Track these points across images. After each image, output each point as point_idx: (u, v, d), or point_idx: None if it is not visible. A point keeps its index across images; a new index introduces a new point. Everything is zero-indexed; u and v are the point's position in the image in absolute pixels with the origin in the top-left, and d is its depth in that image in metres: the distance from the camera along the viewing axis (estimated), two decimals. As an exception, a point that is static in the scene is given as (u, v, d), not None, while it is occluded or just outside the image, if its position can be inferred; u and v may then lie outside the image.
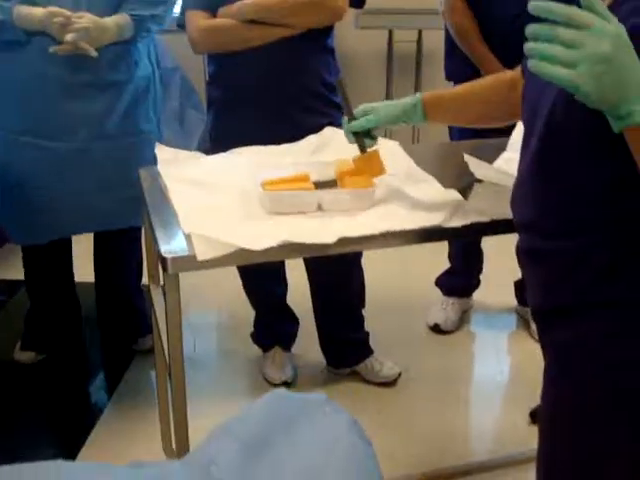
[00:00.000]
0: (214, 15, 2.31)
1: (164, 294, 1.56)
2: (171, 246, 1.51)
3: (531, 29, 0.97)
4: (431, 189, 1.74)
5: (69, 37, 2.27)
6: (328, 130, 2.08)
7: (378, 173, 1.72)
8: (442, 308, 3.09)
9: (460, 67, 2.71)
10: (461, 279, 3.10)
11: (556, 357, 1.30)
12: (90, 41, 2.31)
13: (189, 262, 1.48)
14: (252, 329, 2.83)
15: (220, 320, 3.33)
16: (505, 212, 1.45)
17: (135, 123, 2.53)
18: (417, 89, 3.96)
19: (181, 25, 2.41)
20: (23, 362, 2.84)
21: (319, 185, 1.69)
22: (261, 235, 1.49)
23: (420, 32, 4.06)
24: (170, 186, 1.77)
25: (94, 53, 2.32)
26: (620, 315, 1.18)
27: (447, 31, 2.76)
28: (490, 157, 2.00)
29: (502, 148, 2.05)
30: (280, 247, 1.47)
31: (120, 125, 2.48)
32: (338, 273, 2.54)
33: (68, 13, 2.29)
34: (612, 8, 1.07)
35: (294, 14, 2.26)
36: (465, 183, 1.84)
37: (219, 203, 1.66)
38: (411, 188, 1.72)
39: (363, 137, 1.68)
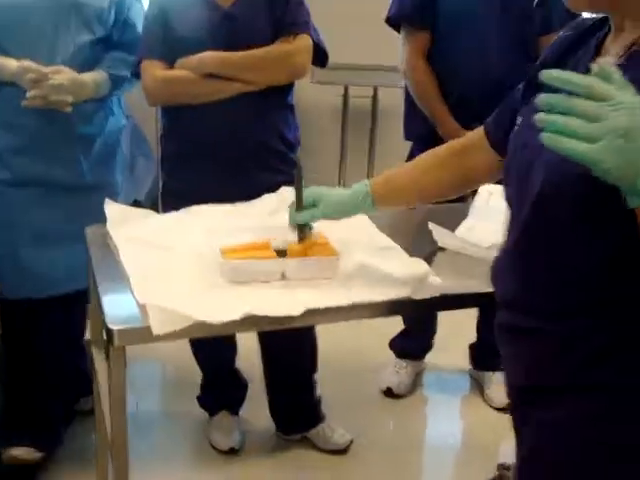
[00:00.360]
0: (171, 66, 2.24)
1: (107, 357, 1.44)
2: (119, 316, 1.40)
3: (546, 99, 0.90)
4: (398, 259, 1.68)
5: (31, 93, 2.19)
6: (285, 190, 2.01)
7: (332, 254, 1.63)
8: (395, 371, 3.01)
9: (420, 127, 2.67)
10: (415, 341, 3.03)
11: (536, 436, 1.23)
12: (69, 96, 2.24)
13: (139, 334, 1.37)
14: (198, 390, 2.71)
15: (165, 376, 3.20)
16: (472, 285, 1.46)
17: (106, 175, 2.47)
18: (372, 145, 3.94)
19: (136, 74, 2.33)
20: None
21: (281, 253, 1.60)
22: (222, 306, 1.39)
23: (376, 89, 4.04)
24: (121, 248, 1.67)
25: (68, 109, 2.26)
26: (608, 399, 1.13)
27: (407, 90, 2.73)
28: (452, 222, 1.95)
29: (463, 213, 2.01)
30: (242, 320, 1.37)
31: (90, 177, 2.41)
32: (290, 337, 2.43)
33: (43, 70, 2.21)
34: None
35: (255, 70, 2.20)
36: (428, 252, 1.79)
37: (174, 269, 1.56)
38: (377, 257, 1.65)
39: (304, 226, 1.61)
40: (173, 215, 1.91)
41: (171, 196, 2.31)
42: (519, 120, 1.27)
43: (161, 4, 2.27)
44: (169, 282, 1.49)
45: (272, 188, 2.03)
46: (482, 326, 2.95)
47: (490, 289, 1.59)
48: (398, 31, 2.69)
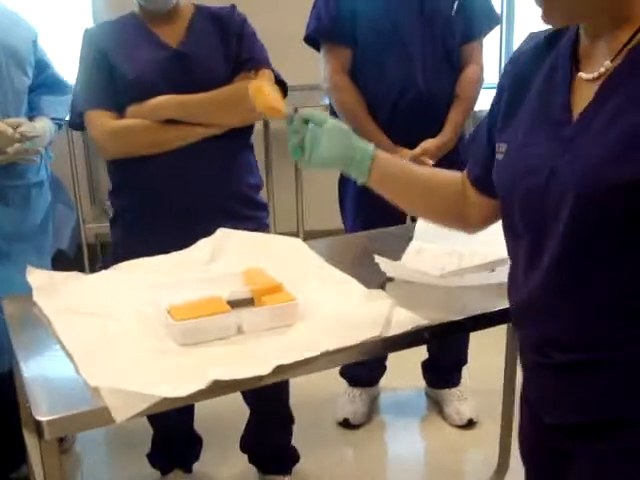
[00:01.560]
0: (121, 115, 2.03)
1: (40, 447, 1.26)
2: (49, 403, 1.22)
3: None
4: (357, 294, 1.59)
5: (15, 147, 2.13)
6: (220, 232, 1.86)
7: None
8: (349, 400, 2.89)
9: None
10: (367, 367, 2.90)
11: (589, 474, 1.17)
12: (41, 146, 2.22)
13: (75, 421, 1.20)
14: (148, 446, 2.50)
15: (108, 430, 2.96)
16: (436, 315, 1.47)
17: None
18: (298, 168, 3.82)
19: (75, 126, 2.13)
20: None
21: (234, 304, 1.47)
22: (182, 375, 1.26)
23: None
24: (55, 321, 1.49)
25: (36, 162, 2.24)
26: None
27: (331, 108, 2.62)
28: (393, 246, 1.89)
29: (404, 236, 1.94)
30: (209, 388, 1.23)
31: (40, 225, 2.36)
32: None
33: (21, 120, 2.15)
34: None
35: (221, 112, 2.01)
36: (377, 283, 1.69)
37: (120, 339, 1.40)
38: (336, 295, 1.56)
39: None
40: (104, 275, 1.74)
41: (129, 255, 1.92)
42: (503, 147, 1.20)
43: (99, 46, 2.06)
44: (118, 356, 1.33)
45: None
46: (431, 343, 2.86)
47: (457, 317, 1.52)
48: (317, 49, 2.59)
